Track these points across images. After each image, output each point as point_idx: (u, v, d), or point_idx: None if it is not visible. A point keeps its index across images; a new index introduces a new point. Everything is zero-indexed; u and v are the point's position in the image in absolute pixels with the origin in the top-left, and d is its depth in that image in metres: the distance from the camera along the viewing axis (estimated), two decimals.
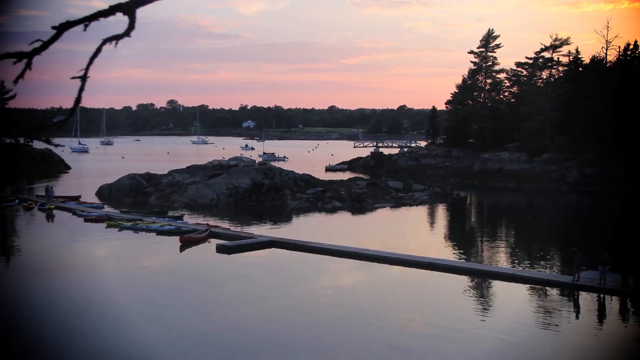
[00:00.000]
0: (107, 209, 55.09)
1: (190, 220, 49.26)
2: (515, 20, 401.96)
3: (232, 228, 45.21)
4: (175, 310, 25.73)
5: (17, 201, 58.49)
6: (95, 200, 61.72)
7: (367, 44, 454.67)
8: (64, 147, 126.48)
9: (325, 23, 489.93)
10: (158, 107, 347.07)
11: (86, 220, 48.34)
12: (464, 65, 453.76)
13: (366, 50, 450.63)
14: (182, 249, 38.28)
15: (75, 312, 25.64)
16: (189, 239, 39.64)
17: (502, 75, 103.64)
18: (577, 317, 25.93)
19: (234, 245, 37.92)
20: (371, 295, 29.00)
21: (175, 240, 39.57)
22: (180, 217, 50.10)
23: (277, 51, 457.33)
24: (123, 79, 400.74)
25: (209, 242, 39.87)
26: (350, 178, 77.24)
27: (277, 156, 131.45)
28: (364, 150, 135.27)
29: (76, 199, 60.68)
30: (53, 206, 55.16)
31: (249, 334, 22.76)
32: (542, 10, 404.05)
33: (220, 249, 37.51)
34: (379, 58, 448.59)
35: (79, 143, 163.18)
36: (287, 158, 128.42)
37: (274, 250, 38.13)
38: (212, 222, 47.58)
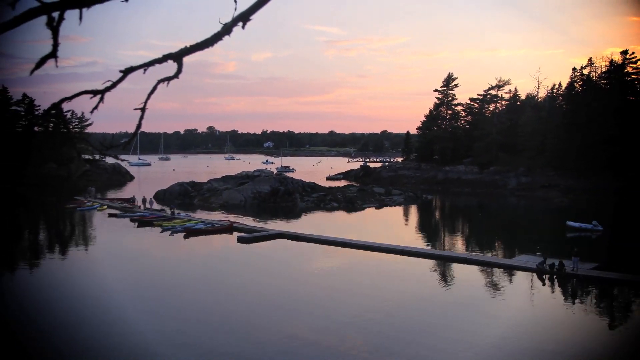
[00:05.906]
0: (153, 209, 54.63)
1: (224, 217, 48.71)
2: (451, 64, 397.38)
3: (249, 223, 44.48)
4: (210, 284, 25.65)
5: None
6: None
7: (340, 79, 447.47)
8: (128, 161, 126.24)
9: (306, 66, 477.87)
10: (200, 132, 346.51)
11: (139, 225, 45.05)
12: (424, 98, 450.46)
13: (339, 86, 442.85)
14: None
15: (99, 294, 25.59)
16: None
17: (459, 108, 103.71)
18: (511, 287, 25.89)
19: (250, 237, 37.66)
20: (359, 273, 28.88)
21: (201, 238, 39.34)
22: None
23: (274, 87, 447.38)
24: (158, 110, 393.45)
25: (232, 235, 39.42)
26: (345, 185, 77.14)
27: (290, 168, 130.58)
28: (356, 165, 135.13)
29: (132, 201, 57.77)
30: (105, 206, 54.86)
31: (270, 299, 22.78)
32: (470, 56, 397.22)
33: (240, 240, 37.20)
34: (350, 93, 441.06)
35: (139, 159, 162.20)
36: (294, 170, 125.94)
37: (281, 240, 37.70)
38: (240, 218, 47.29)
